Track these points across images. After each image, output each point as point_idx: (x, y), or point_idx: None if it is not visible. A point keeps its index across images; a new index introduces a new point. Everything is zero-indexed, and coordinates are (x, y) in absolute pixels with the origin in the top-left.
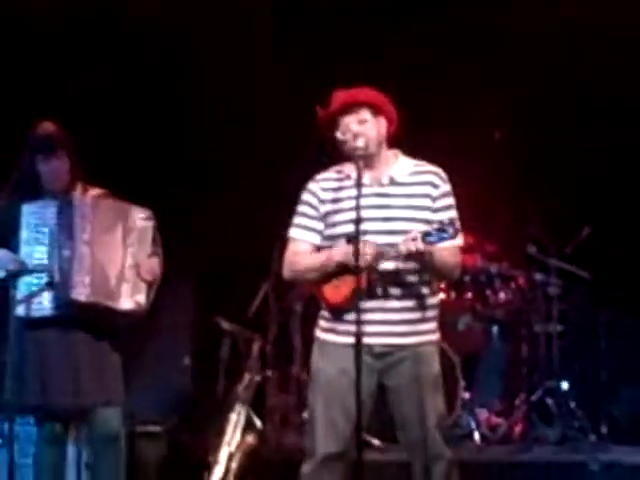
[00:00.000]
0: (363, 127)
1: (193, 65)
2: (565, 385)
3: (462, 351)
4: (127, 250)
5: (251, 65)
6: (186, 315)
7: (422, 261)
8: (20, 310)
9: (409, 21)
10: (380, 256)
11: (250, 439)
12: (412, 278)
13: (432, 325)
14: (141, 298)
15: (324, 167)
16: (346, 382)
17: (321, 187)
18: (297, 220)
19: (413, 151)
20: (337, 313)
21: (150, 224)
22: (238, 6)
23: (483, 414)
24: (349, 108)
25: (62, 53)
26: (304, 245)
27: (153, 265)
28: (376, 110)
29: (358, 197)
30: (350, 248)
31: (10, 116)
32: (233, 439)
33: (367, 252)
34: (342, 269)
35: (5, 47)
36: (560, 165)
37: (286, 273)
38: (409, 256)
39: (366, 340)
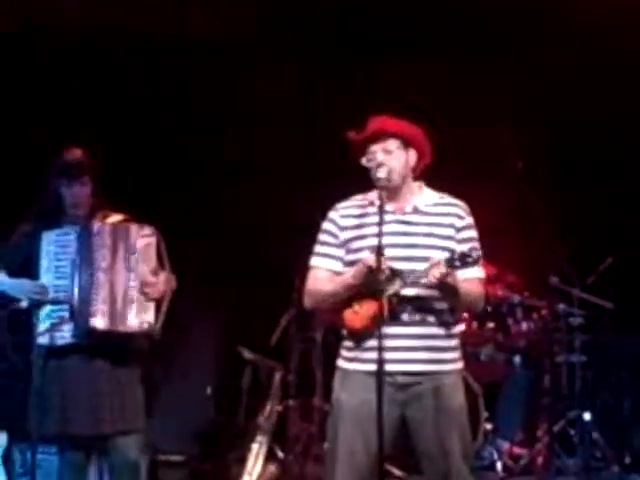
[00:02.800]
0: (387, 157)
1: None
2: (587, 415)
3: (484, 381)
4: (131, 271)
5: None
6: (209, 345)
7: (444, 287)
8: (41, 338)
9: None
10: (399, 284)
11: (272, 469)
12: (436, 305)
13: (455, 354)
14: (149, 317)
15: (347, 195)
16: (367, 412)
17: (341, 215)
18: (317, 249)
19: (433, 182)
20: (358, 340)
21: (152, 240)
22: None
23: (505, 445)
24: (378, 136)
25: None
26: (324, 273)
27: (158, 281)
28: (405, 142)
29: (380, 224)
30: (362, 268)
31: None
32: (254, 468)
33: (390, 283)
34: (360, 293)
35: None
36: (582, 196)
37: (307, 301)
38: (436, 284)
39: (390, 367)
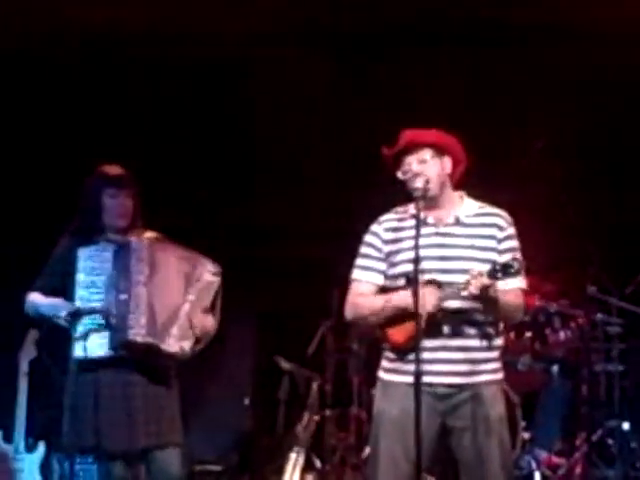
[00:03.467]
0: (423, 167)
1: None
2: (626, 425)
3: (522, 391)
4: (187, 297)
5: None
6: (247, 356)
7: (486, 299)
8: (78, 351)
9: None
10: (440, 300)
11: (309, 479)
12: (476, 317)
13: (495, 365)
14: (187, 345)
15: (387, 208)
16: (408, 422)
17: (384, 228)
18: (360, 262)
19: (472, 190)
20: (400, 353)
21: (217, 280)
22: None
23: (543, 454)
24: (411, 148)
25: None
26: (367, 286)
27: (206, 322)
28: (439, 151)
29: (417, 237)
30: (409, 295)
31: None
32: (292, 478)
33: (426, 300)
34: (403, 313)
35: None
36: (620, 205)
37: (348, 315)
38: (478, 295)
39: (429, 379)
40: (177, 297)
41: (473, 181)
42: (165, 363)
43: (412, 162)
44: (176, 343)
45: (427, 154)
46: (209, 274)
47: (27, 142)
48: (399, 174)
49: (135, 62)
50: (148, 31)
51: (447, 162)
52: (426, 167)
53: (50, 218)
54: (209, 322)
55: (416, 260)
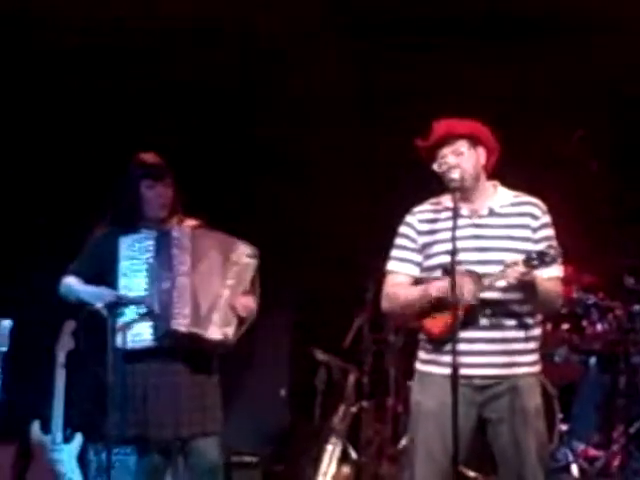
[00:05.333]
0: (459, 159)
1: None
2: None
3: (559, 383)
4: (225, 282)
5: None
6: (283, 346)
7: (524, 287)
8: (120, 341)
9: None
10: (479, 291)
11: (346, 470)
12: (514, 308)
13: (533, 357)
14: (230, 331)
15: (423, 199)
16: (445, 414)
17: (418, 219)
18: (395, 253)
19: (507, 182)
20: (437, 344)
21: (253, 262)
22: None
23: (581, 446)
24: (446, 140)
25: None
26: (402, 277)
27: (249, 302)
28: (474, 141)
29: (454, 228)
30: (447, 285)
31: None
32: (329, 470)
33: (465, 291)
34: (440, 304)
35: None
36: None
37: (384, 306)
38: (516, 284)
39: (467, 371)
40: (218, 283)
41: (511, 170)
42: (210, 352)
43: (447, 154)
44: (219, 330)
45: (463, 146)
46: (246, 256)
47: (57, 133)
48: (434, 166)
49: (162, 55)
50: (177, 28)
51: (482, 153)
52: (462, 159)
53: (85, 209)
54: (250, 302)
55: (453, 252)
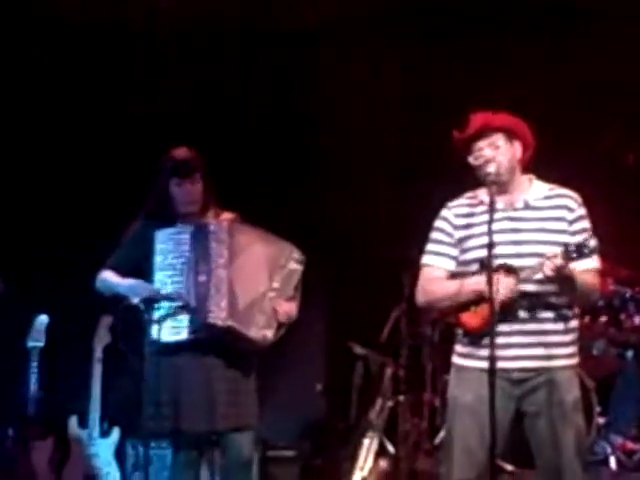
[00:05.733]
0: (495, 153)
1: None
2: None
3: (597, 376)
4: (272, 284)
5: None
6: (320, 341)
7: (562, 280)
8: (156, 335)
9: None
10: (516, 285)
11: (383, 464)
12: (552, 300)
13: (571, 349)
14: (270, 333)
15: (459, 193)
16: (482, 408)
17: (454, 213)
18: (430, 247)
19: (544, 174)
20: (474, 337)
21: (300, 268)
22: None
23: (618, 440)
24: (483, 132)
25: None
26: (438, 271)
27: (291, 309)
28: (510, 135)
29: (490, 222)
30: (484, 280)
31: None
32: (366, 464)
33: (502, 286)
34: (477, 298)
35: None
36: None
37: (420, 300)
38: (553, 276)
39: (504, 364)
40: (262, 283)
41: (546, 164)
42: (246, 347)
43: (484, 147)
44: (260, 331)
45: (499, 139)
46: (294, 262)
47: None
48: (470, 159)
49: (200, 54)
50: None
51: (518, 147)
52: (498, 152)
53: (122, 203)
54: (293, 309)
55: (490, 245)
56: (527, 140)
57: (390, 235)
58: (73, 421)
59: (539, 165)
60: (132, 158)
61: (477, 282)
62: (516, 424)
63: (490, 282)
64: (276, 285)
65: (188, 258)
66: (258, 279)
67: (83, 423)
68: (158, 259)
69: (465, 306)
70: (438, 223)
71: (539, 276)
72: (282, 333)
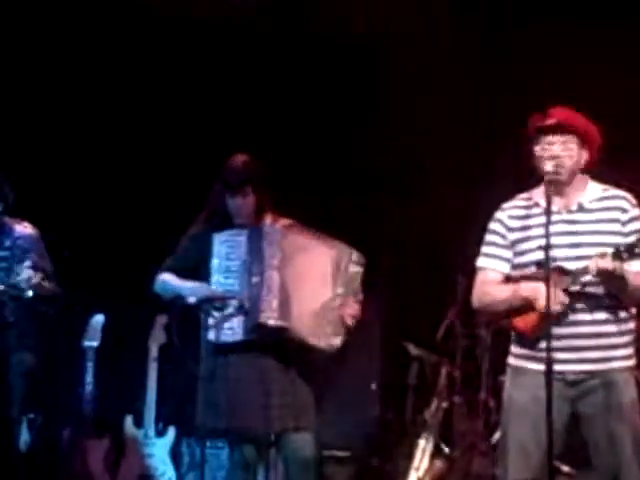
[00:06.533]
0: (564, 152)
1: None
2: None
3: None
4: (335, 290)
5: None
6: (374, 341)
7: (612, 280)
8: (211, 335)
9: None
10: (567, 297)
11: (438, 465)
12: (607, 302)
13: (627, 351)
14: (337, 341)
15: (513, 194)
16: (538, 410)
17: (508, 215)
18: (485, 249)
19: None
20: (528, 340)
21: (361, 270)
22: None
23: None
24: (560, 128)
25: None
26: (493, 274)
27: (357, 312)
28: (583, 140)
29: (547, 224)
30: (539, 287)
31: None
32: (421, 465)
33: (557, 300)
34: (530, 305)
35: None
36: None
37: (475, 303)
38: (600, 277)
39: (560, 367)
40: (326, 290)
41: (607, 161)
42: (314, 357)
43: (555, 143)
44: (328, 339)
45: (572, 141)
46: (354, 264)
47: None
48: (537, 148)
49: (270, 58)
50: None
51: (585, 155)
52: (567, 153)
53: (179, 205)
54: (358, 312)
55: (547, 247)
56: (595, 148)
57: (447, 236)
58: (128, 421)
59: (605, 166)
60: (193, 159)
61: (531, 289)
62: (572, 425)
63: (547, 285)
64: (340, 291)
65: (244, 260)
66: (321, 286)
67: (138, 423)
68: (215, 262)
69: (518, 311)
70: (492, 225)
71: (591, 278)
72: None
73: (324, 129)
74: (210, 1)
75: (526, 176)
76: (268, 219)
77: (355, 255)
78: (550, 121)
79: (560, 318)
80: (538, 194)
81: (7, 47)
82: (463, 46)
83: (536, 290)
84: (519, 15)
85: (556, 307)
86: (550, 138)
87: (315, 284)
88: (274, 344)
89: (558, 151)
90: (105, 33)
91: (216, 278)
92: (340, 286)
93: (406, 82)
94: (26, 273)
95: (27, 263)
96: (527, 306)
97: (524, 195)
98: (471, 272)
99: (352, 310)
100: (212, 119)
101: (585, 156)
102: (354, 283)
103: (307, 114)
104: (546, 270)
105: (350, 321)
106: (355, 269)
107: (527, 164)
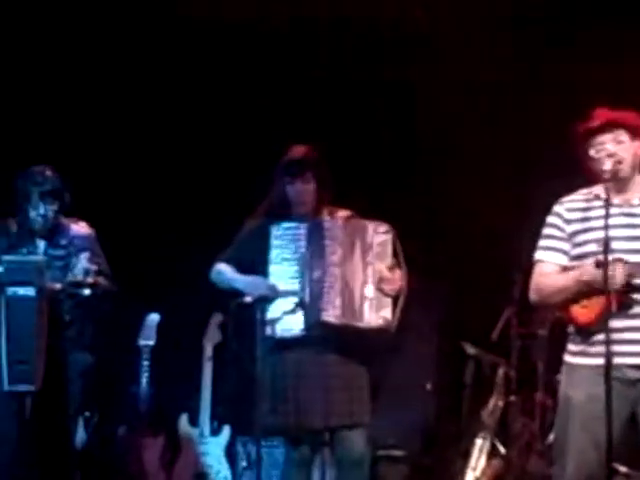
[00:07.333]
0: (618, 148)
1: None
2: None
3: None
4: (367, 267)
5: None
6: (429, 340)
7: None
8: (270, 332)
9: None
10: (631, 276)
11: (495, 464)
12: None
13: None
14: (387, 313)
15: (572, 191)
16: (596, 408)
17: (566, 208)
18: (543, 242)
19: None
20: (586, 334)
21: (389, 237)
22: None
23: None
24: (608, 127)
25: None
26: (550, 267)
27: (395, 278)
28: (634, 133)
29: (606, 218)
30: (600, 271)
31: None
32: (478, 464)
33: (617, 275)
34: (590, 290)
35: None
36: None
37: (532, 296)
38: None
39: (618, 360)
40: (360, 270)
41: None
42: (370, 340)
43: (607, 141)
44: (376, 315)
45: (624, 135)
46: (379, 235)
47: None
48: (591, 152)
49: (324, 47)
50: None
51: (638, 146)
52: (621, 148)
53: (235, 201)
54: (397, 277)
55: (606, 241)
56: None
57: (502, 234)
58: (184, 419)
59: None
60: (247, 156)
61: (592, 272)
62: (630, 426)
63: (606, 277)
64: (372, 266)
65: (303, 254)
66: (359, 269)
67: (194, 421)
68: (273, 254)
69: (577, 300)
70: (550, 219)
71: None
72: (401, 308)
73: (377, 121)
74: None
75: (578, 172)
76: (326, 212)
77: (378, 226)
78: (596, 122)
79: (620, 309)
80: (599, 188)
81: (60, 50)
82: (510, 45)
83: (597, 274)
84: (567, 15)
85: (619, 281)
86: (601, 138)
87: (353, 268)
88: (333, 339)
89: (612, 148)
90: (161, 35)
91: (273, 270)
92: (370, 262)
93: (455, 79)
94: (83, 263)
95: (84, 254)
96: (587, 292)
97: (584, 190)
98: (528, 270)
99: (389, 278)
100: (263, 113)
101: (639, 148)
102: (385, 251)
103: (358, 107)
104: (605, 260)
105: (391, 290)
106: (382, 238)
107: (585, 168)
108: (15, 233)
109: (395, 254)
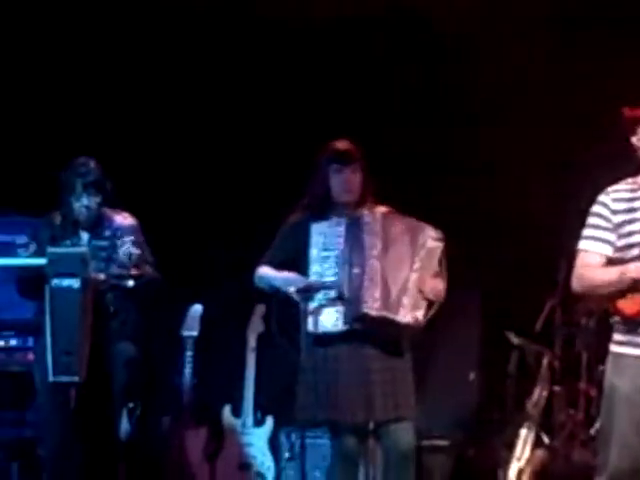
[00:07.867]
0: None
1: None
2: None
3: None
4: (414, 266)
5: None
6: (473, 330)
7: None
8: (311, 326)
9: None
10: None
11: (540, 454)
12: None
13: None
14: (420, 314)
15: (616, 181)
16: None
17: (612, 198)
18: (587, 232)
19: None
20: (632, 325)
21: (440, 245)
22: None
23: None
24: None
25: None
26: (595, 257)
27: (437, 285)
28: None
29: None
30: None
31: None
32: (523, 454)
33: None
34: (635, 285)
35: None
36: None
37: (576, 286)
38: None
39: None
40: (406, 267)
41: None
42: (400, 335)
43: None
44: (409, 314)
45: None
46: (432, 240)
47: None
48: (634, 139)
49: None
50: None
51: None
52: None
53: (277, 194)
54: (439, 285)
55: None
56: None
57: (547, 223)
58: (227, 410)
59: None
60: (288, 152)
61: (638, 268)
62: None
63: None
64: (417, 265)
65: (343, 250)
66: (404, 265)
67: (237, 412)
68: (314, 251)
69: (622, 293)
70: (596, 208)
71: None
72: (434, 312)
73: (417, 115)
74: None
75: (623, 162)
76: (366, 206)
77: (431, 231)
78: None
79: None
80: None
81: (105, 45)
82: (559, 38)
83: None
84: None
85: None
86: None
87: (399, 264)
88: (374, 333)
89: None
90: (208, 32)
91: (314, 268)
92: (418, 261)
93: (501, 72)
94: (128, 247)
95: (129, 238)
96: (631, 287)
97: (630, 179)
98: (572, 259)
99: (431, 284)
100: (303, 110)
101: None
102: (433, 257)
103: (402, 99)
104: None
105: (429, 295)
106: (433, 244)
107: (629, 156)
108: (59, 225)
109: (440, 264)
